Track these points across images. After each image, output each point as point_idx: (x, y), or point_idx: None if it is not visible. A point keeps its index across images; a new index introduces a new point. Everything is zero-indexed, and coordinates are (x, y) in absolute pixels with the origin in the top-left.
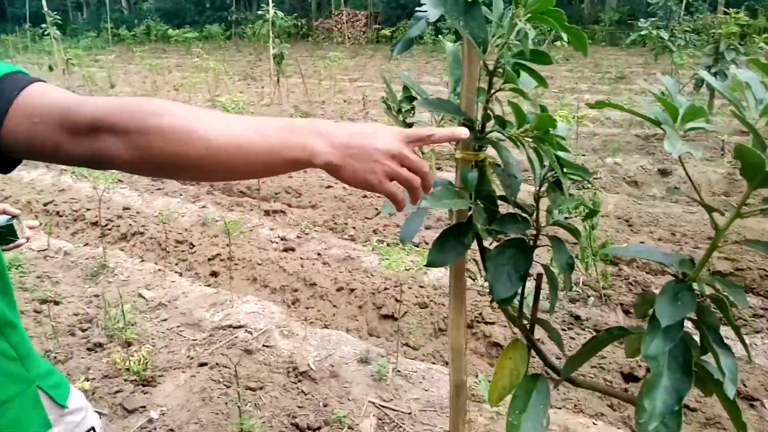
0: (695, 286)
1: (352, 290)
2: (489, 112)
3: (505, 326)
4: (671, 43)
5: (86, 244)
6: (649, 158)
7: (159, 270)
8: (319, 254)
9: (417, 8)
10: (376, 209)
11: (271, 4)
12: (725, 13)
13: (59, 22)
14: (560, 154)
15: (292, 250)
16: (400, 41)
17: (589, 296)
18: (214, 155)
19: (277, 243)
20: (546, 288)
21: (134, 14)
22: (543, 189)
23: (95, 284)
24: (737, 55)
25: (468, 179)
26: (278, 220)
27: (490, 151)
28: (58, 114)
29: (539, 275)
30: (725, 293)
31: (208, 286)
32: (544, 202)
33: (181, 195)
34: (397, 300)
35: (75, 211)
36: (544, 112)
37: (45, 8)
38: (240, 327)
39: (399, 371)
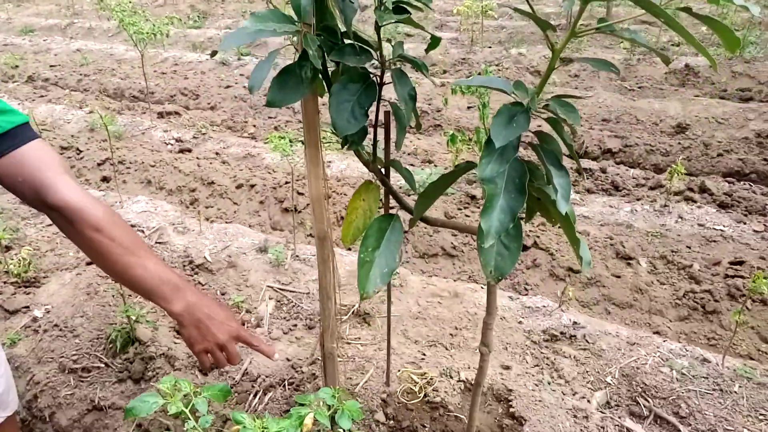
0: (532, 110)
1: (252, 186)
2: None
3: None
4: None
5: None
6: None
7: None
8: (217, 153)
9: None
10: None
11: None
12: None
13: None
14: None
15: (189, 151)
16: None
17: None
18: (112, 271)
19: (172, 145)
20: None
21: None
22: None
23: None
24: None
25: (301, 6)
26: (173, 122)
27: None
28: (38, 186)
29: (386, 113)
30: (562, 115)
31: (99, 189)
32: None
33: (66, 101)
34: (298, 193)
35: None
36: None
37: None
38: (132, 227)
39: (297, 256)
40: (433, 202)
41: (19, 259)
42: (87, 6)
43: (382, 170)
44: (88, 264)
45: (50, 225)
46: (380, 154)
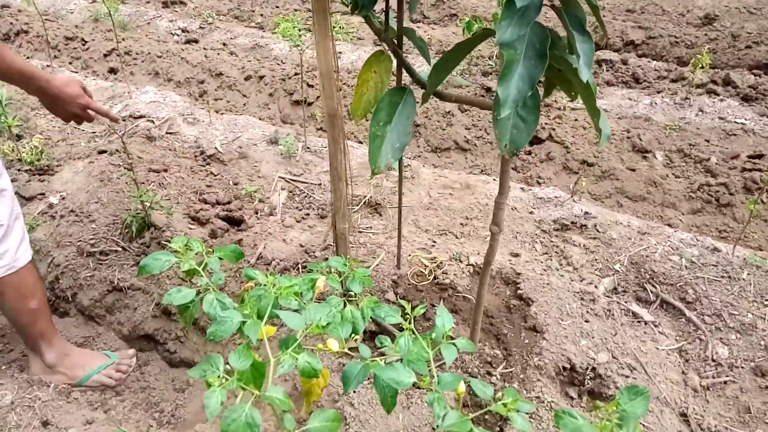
0: None
1: (262, 77)
2: None
3: None
4: None
5: None
6: None
7: (48, 67)
8: (224, 44)
9: None
10: None
11: None
12: None
13: None
14: None
15: (195, 41)
16: None
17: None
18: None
19: (178, 35)
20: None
21: None
22: None
23: None
24: None
25: None
26: (178, 12)
27: None
28: None
29: None
30: None
31: (108, 82)
32: None
33: None
34: (309, 85)
35: None
36: None
37: None
38: (141, 117)
39: (309, 148)
40: (447, 75)
41: (31, 148)
42: None
43: (395, 41)
44: (100, 153)
45: None
46: (393, 24)
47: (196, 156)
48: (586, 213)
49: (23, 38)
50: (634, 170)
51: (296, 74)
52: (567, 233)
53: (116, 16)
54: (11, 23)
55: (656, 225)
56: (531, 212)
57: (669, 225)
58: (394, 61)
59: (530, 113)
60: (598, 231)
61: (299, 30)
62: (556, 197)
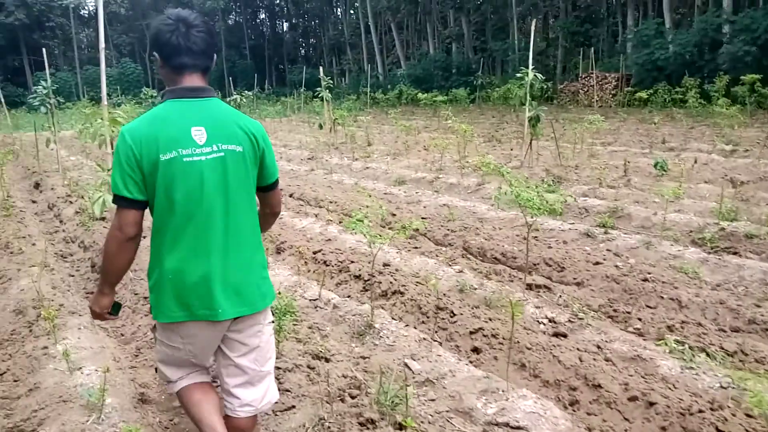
0: None
1: (651, 404)
2: None
3: None
4: None
5: (348, 296)
6: None
7: (423, 339)
8: (598, 347)
9: None
10: (661, 296)
11: (531, 67)
12: None
13: (331, 85)
14: None
15: (564, 336)
16: None
17: None
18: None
19: (545, 325)
20: None
21: (388, 80)
22: None
23: (362, 344)
24: None
25: None
26: (543, 297)
27: None
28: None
29: None
30: None
31: (471, 363)
32: None
33: (437, 256)
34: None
35: (340, 262)
36: None
37: (321, 74)
38: (519, 429)
39: None
40: None
41: None
42: (448, 163)
43: None
44: None
45: (432, 400)
46: None
47: None
48: None
49: (398, 298)
50: None
51: (700, 411)
52: None
53: (480, 293)
54: (390, 282)
55: None
56: None
57: None
58: None
59: None
60: None
61: (691, 348)
62: None
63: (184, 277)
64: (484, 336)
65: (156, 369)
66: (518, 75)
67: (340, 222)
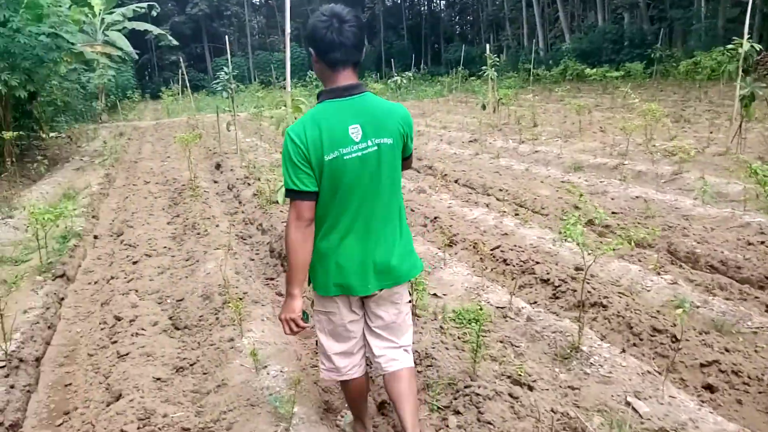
0: None
1: None
2: None
3: None
4: None
5: (535, 302)
6: None
7: (648, 373)
8: None
9: None
10: None
11: (746, 36)
12: None
13: (497, 63)
14: None
15: None
16: None
17: None
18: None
19: None
20: None
21: (549, 55)
22: None
23: (567, 370)
24: None
25: None
26: None
27: None
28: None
29: None
30: None
31: (705, 404)
32: None
33: (640, 261)
34: None
35: (522, 261)
36: None
37: (487, 52)
38: None
39: None
40: None
41: None
42: (632, 147)
43: None
44: None
45: None
46: None
47: None
48: None
49: (598, 312)
50: None
51: None
52: None
53: (705, 312)
54: (589, 291)
55: None
56: None
57: None
58: None
59: None
60: None
61: None
62: None
63: (340, 257)
64: (721, 372)
65: (317, 342)
66: (729, 46)
67: (516, 214)
